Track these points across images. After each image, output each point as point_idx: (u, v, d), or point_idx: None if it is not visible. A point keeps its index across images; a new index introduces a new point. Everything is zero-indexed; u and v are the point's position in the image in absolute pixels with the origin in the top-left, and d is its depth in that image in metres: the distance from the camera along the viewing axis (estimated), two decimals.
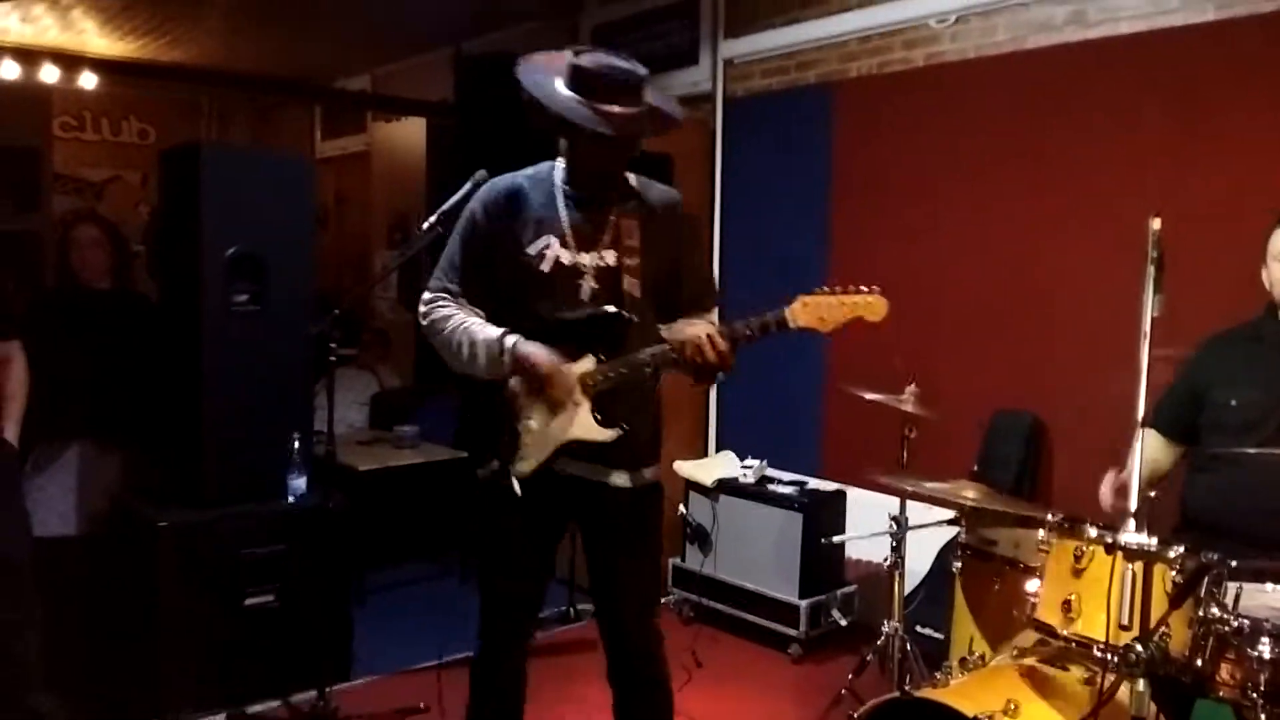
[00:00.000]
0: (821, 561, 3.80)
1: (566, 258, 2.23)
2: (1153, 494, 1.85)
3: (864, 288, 2.03)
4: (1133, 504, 1.85)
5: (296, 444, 3.28)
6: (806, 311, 2.02)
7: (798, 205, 4.47)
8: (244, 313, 3.22)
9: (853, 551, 4.00)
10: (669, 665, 2.46)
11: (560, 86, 2.14)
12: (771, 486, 4.01)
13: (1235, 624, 2.00)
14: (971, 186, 3.88)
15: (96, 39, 6.36)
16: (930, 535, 3.37)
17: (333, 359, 2.72)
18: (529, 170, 2.33)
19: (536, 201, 2.28)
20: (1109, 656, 1.90)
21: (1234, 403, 2.61)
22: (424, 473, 4.68)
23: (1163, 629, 1.90)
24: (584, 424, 2.19)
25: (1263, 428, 2.47)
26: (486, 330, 2.25)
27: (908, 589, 3.64)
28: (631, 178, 2.31)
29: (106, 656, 3.31)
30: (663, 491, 2.42)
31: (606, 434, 2.19)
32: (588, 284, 2.23)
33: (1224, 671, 2.03)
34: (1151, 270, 2.16)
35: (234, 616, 3.17)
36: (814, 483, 4.08)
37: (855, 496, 3.95)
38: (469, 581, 4.71)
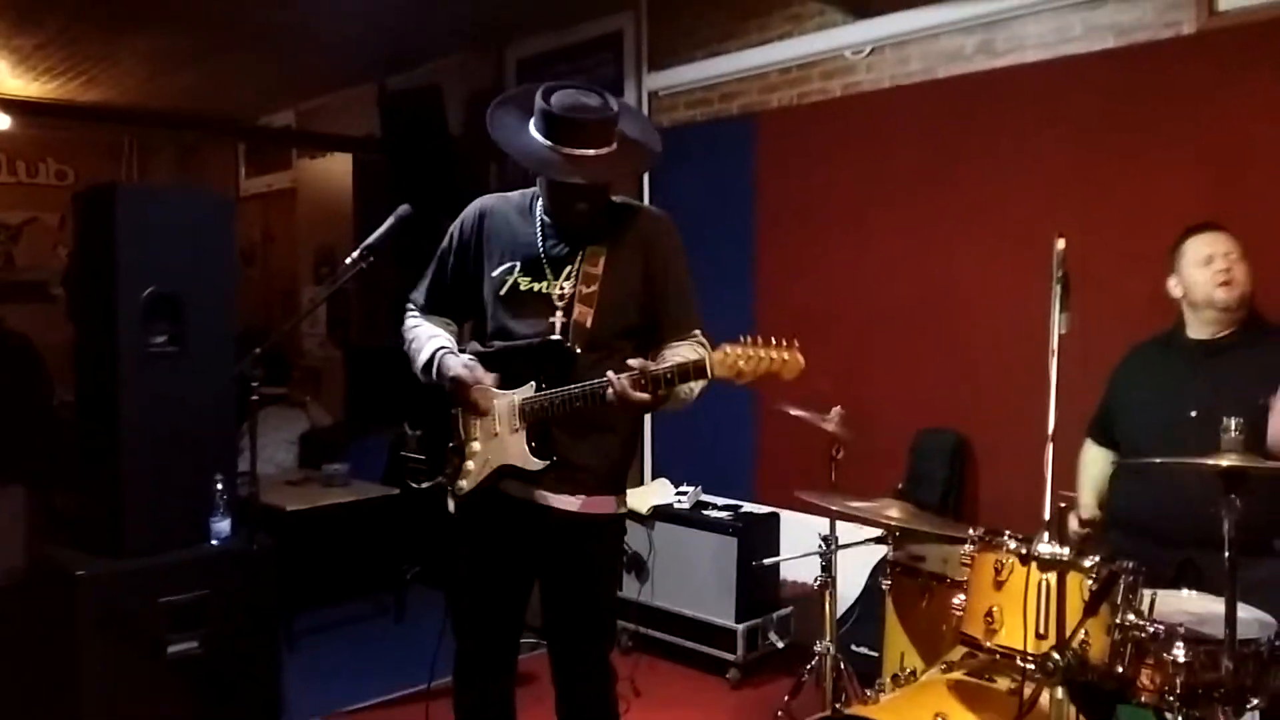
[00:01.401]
0: (757, 585, 3.82)
1: (526, 284, 2.25)
2: (1062, 504, 1.89)
3: (783, 342, 1.99)
4: (1045, 514, 1.89)
5: (219, 486, 3.20)
6: (726, 362, 1.97)
7: (724, 233, 4.53)
8: (162, 354, 3.13)
9: (788, 573, 4.02)
10: (618, 707, 2.42)
11: (531, 131, 2.16)
12: (706, 512, 4.02)
13: (1152, 629, 2.06)
14: (891, 212, 3.97)
15: (10, 80, 6.22)
16: (863, 554, 3.41)
17: (255, 398, 2.67)
18: (517, 193, 2.37)
19: (514, 225, 2.31)
20: (1029, 666, 1.94)
21: (1144, 405, 2.75)
22: (355, 511, 4.60)
23: (1081, 637, 1.95)
24: (518, 451, 2.20)
25: (1173, 430, 2.56)
26: (429, 344, 2.31)
27: (843, 609, 3.68)
28: (617, 200, 2.30)
29: (21, 713, 3.18)
30: (621, 527, 2.38)
31: (536, 464, 2.18)
32: (554, 313, 2.22)
33: (1144, 676, 2.08)
34: (1057, 289, 2.23)
35: (157, 666, 3.07)
36: (748, 507, 4.11)
37: (789, 519, 3.98)
38: (403, 621, 4.65)
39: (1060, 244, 2.29)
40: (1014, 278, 3.52)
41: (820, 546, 3.04)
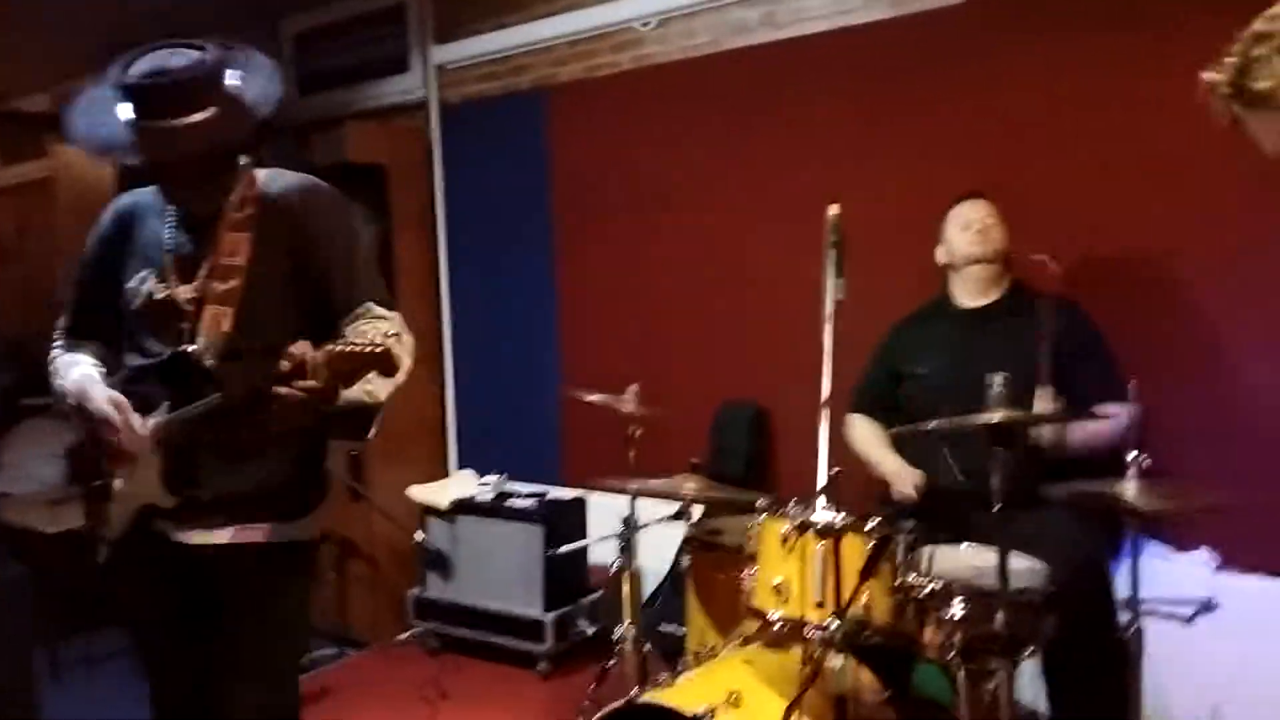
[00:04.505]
0: (565, 572, 3.72)
1: (161, 292, 1.92)
2: (836, 470, 1.87)
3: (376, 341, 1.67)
4: (820, 481, 1.87)
5: None
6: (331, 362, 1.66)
7: (520, 211, 4.40)
8: None
9: (596, 557, 3.94)
10: None
11: (123, 109, 1.83)
12: (510, 501, 3.89)
13: (930, 587, 2.08)
14: (686, 185, 3.92)
15: None
16: (671, 533, 3.36)
17: None
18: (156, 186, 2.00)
19: (149, 225, 1.98)
20: (814, 634, 1.92)
21: (923, 371, 2.82)
22: None
23: (863, 601, 1.94)
24: (150, 486, 1.88)
25: (952, 393, 2.62)
26: (71, 372, 1.96)
27: (654, 587, 3.64)
28: (262, 174, 1.99)
29: None
30: (299, 557, 2.03)
31: (169, 500, 1.88)
32: (185, 321, 1.90)
33: (927, 634, 2.11)
34: (832, 254, 2.23)
35: None
36: (555, 492, 4.00)
37: (596, 501, 3.89)
38: None
39: (832, 210, 2.29)
40: (804, 248, 3.50)
41: (619, 528, 2.96)
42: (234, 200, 1.93)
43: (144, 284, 1.93)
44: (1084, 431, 2.59)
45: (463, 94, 4.58)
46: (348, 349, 1.64)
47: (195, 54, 1.83)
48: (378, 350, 1.64)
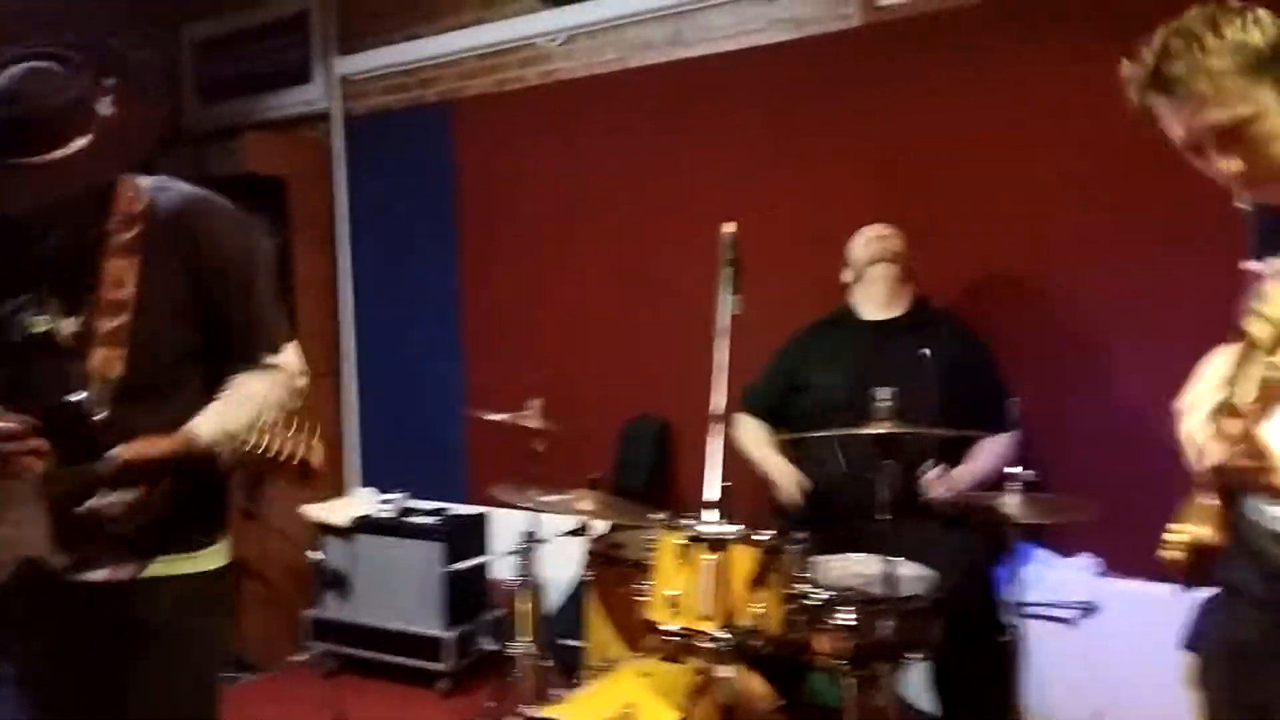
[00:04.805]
0: (466, 589, 3.68)
1: (41, 326, 1.67)
2: (729, 483, 1.89)
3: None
4: (714, 493, 1.89)
5: None
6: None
7: (425, 225, 4.35)
8: None
9: (500, 573, 3.90)
10: None
11: None
12: (411, 518, 3.83)
13: (825, 596, 2.11)
14: (592, 201, 3.93)
15: None
16: (575, 547, 3.35)
17: None
18: None
19: (23, 246, 1.71)
20: (705, 645, 1.93)
21: (820, 383, 2.87)
22: None
23: (755, 611, 1.96)
24: (39, 540, 1.66)
25: (846, 405, 2.67)
26: None
27: (559, 602, 3.61)
28: (147, 184, 1.71)
29: None
30: (211, 586, 1.84)
31: (60, 559, 1.66)
32: (70, 359, 1.65)
33: (818, 642, 2.14)
34: (728, 272, 2.27)
35: None
36: (457, 509, 3.95)
37: (500, 517, 3.85)
38: None
39: (728, 229, 2.33)
40: (709, 264, 3.54)
41: (520, 543, 2.94)
42: (117, 220, 1.67)
43: (20, 315, 1.70)
44: (972, 475, 2.67)
45: (368, 105, 4.53)
46: (259, 453, 1.57)
47: (58, 71, 1.56)
48: (283, 458, 1.58)
